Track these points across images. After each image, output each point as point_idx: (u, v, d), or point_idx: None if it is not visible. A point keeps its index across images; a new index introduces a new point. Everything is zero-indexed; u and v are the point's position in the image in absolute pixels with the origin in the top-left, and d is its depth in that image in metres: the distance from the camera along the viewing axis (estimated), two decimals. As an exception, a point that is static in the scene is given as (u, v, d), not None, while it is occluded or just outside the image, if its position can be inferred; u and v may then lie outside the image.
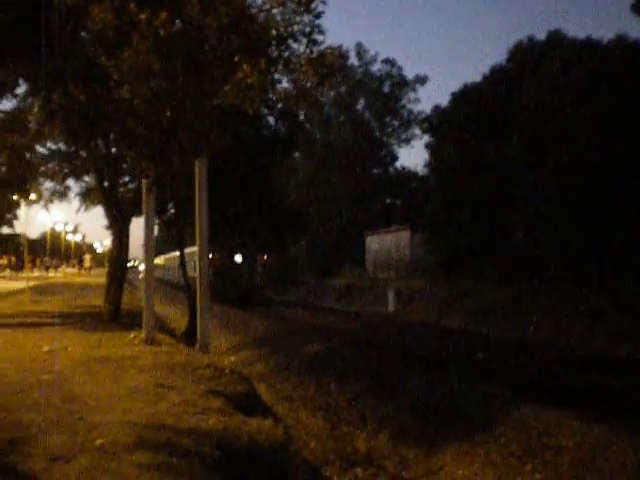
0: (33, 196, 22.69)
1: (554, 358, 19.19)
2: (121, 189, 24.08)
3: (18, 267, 67.92)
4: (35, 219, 49.48)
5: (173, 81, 8.84)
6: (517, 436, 12.27)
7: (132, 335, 16.10)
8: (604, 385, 15.38)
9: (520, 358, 19.09)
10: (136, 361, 12.42)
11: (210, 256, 28.48)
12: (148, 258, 17.04)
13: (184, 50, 8.66)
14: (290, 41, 9.23)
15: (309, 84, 9.76)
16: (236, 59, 9.07)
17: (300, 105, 10.25)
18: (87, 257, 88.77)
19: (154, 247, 17.26)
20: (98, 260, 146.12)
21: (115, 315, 20.63)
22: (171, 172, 9.80)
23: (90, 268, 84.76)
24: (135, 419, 8.06)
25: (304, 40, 9.24)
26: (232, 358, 21.77)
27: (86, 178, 28.03)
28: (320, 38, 9.29)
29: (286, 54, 9.33)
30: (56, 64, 7.35)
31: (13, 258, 71.64)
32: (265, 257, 23.53)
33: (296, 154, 49.67)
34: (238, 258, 43.87)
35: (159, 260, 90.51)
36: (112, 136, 16.50)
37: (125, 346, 14.62)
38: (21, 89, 12.83)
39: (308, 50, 9.29)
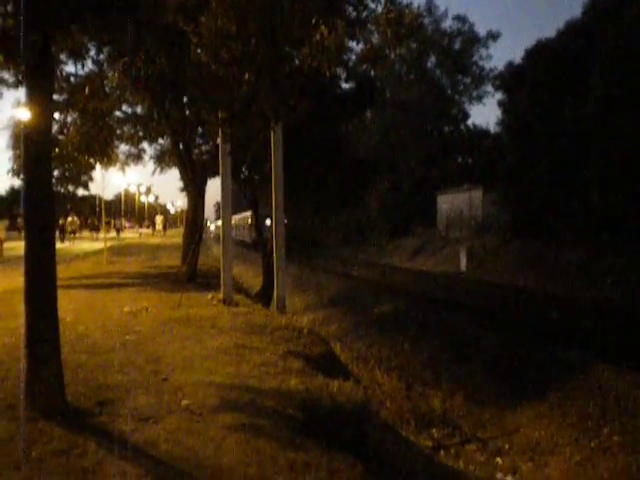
0: (111, 159, 23.06)
1: (630, 320, 18.78)
2: (195, 151, 24.27)
3: (95, 228, 69.19)
4: (110, 181, 50.41)
5: (250, 44, 8.77)
6: (594, 398, 12.13)
7: (210, 296, 16.30)
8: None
9: (595, 319, 18.74)
10: (216, 322, 12.58)
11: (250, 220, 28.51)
12: (225, 219, 17.19)
13: (260, 13, 8.57)
14: (368, 1, 9.07)
15: (386, 44, 9.58)
16: (313, 21, 8.95)
17: (376, 66, 10.08)
18: (159, 218, 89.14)
19: (230, 208, 17.38)
20: (171, 221, 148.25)
21: (192, 276, 20.91)
22: (251, 136, 9.78)
23: (164, 229, 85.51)
24: (218, 380, 8.17)
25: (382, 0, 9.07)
26: (307, 318, 21.92)
27: (160, 141, 28.34)
28: (398, -3, 9.12)
29: (364, 14, 9.17)
30: (139, 30, 7.39)
31: (94, 219, 72.89)
32: (285, 221, 23.41)
33: (367, 113, 49.20)
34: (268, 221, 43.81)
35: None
36: (186, 100, 16.61)
37: (204, 307, 14.81)
38: (100, 55, 13.09)
39: (386, 10, 9.09)
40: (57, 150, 19.59)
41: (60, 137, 20.33)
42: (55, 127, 20.16)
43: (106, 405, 7.03)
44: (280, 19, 8.76)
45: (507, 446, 11.78)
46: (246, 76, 8.78)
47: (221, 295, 16.07)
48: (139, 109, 22.48)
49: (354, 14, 9.14)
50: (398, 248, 52.30)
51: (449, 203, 54.66)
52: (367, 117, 54.61)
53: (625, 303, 22.26)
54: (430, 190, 58.09)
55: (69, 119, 20.52)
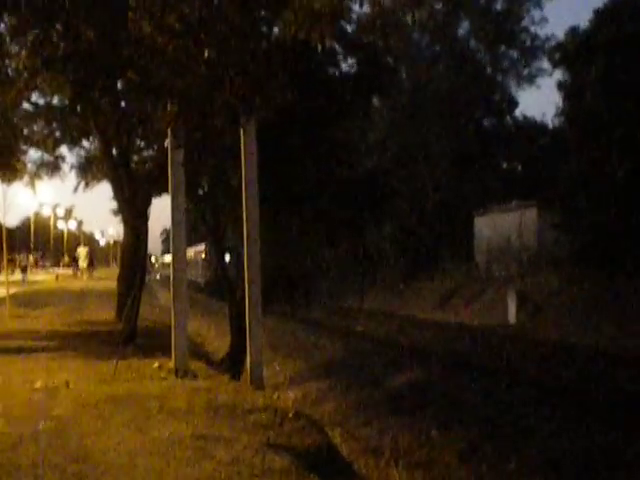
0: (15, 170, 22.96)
1: None
2: (135, 158, 24.27)
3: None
4: (13, 201, 49.74)
5: (210, 8, 8.77)
6: None
7: (156, 364, 16.26)
8: None
9: None
10: (165, 401, 12.51)
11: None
12: (178, 253, 17.14)
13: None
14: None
15: (400, 6, 9.60)
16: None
17: (386, 36, 10.05)
18: (83, 252, 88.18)
19: (185, 237, 17.35)
20: (101, 257, 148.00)
21: (131, 335, 20.82)
22: (213, 137, 9.77)
23: (91, 267, 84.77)
24: (171, 487, 8.10)
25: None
26: (293, 394, 21.83)
27: (86, 144, 28.37)
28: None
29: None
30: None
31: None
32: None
33: (374, 102, 49.24)
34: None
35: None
36: (121, 87, 16.65)
37: (148, 380, 14.78)
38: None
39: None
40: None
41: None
42: None
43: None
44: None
45: None
46: (205, 53, 8.77)
47: (172, 363, 16.02)
48: (55, 100, 22.53)
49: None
50: (420, 292, 52.24)
51: (491, 228, 54.75)
52: (375, 108, 54.57)
53: None
54: (464, 209, 58.03)
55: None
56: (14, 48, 12.17)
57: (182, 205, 16.91)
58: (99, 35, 8.17)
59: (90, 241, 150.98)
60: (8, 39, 13.57)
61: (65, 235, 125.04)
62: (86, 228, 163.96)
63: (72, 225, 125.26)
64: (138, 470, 8.67)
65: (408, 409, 20.77)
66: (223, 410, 12.13)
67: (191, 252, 76.99)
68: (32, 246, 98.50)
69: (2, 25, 12.59)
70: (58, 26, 8.15)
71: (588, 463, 14.89)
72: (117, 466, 8.78)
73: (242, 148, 17.21)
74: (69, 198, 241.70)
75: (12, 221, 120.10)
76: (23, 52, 9.07)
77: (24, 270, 73.86)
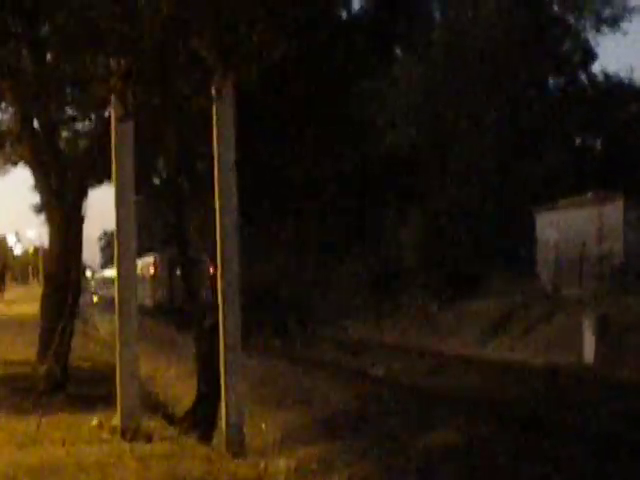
0: None
1: None
2: (65, 133, 24.19)
3: None
4: None
5: None
6: None
7: (96, 421, 16.15)
8: None
9: None
10: (108, 473, 12.40)
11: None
12: (125, 264, 17.08)
13: None
14: None
15: None
16: None
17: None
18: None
19: (135, 242, 17.30)
20: (17, 270, 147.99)
21: (59, 380, 20.74)
22: (175, 105, 9.72)
23: (2, 285, 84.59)
24: None
25: None
26: (286, 462, 21.76)
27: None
28: None
29: None
30: None
31: None
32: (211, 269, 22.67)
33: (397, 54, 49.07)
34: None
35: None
36: (47, 32, 16.64)
37: (84, 443, 14.67)
38: None
39: None
40: None
41: None
42: None
43: None
44: None
45: None
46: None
47: (117, 419, 15.91)
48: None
49: None
50: (462, 318, 52.15)
51: (559, 228, 54.61)
52: (398, 65, 54.29)
53: None
54: (522, 203, 57.75)
55: None
56: None
57: (131, 198, 16.85)
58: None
59: (1, 248, 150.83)
60: None
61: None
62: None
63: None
64: None
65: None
66: (188, 487, 12.06)
67: (137, 265, 77.21)
68: None
69: None
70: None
71: None
72: None
73: (214, 119, 17.17)
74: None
75: None
76: None
77: None
